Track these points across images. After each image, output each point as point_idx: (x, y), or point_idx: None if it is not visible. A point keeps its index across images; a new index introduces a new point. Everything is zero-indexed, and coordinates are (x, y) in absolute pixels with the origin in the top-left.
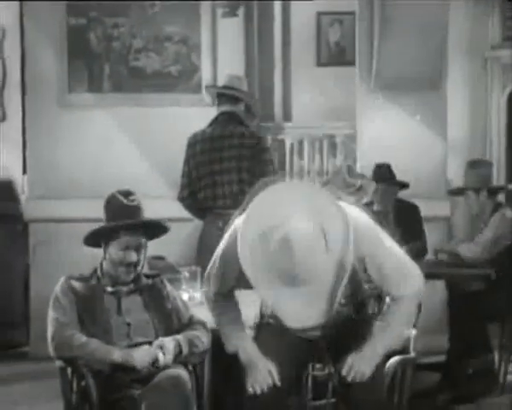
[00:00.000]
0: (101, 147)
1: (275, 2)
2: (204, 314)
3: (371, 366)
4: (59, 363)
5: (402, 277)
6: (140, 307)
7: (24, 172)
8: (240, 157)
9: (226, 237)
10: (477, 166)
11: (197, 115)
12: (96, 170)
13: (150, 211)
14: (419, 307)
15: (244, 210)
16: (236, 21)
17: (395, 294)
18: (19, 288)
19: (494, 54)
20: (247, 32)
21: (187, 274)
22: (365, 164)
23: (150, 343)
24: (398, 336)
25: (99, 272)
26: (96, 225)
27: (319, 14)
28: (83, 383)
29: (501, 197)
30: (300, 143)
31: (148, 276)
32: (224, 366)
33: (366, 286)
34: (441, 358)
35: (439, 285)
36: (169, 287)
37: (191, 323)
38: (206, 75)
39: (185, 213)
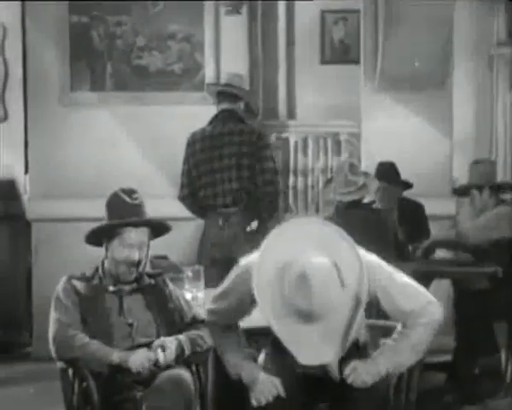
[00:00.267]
0: (104, 146)
1: (279, 0)
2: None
3: (373, 378)
4: (60, 364)
5: (419, 307)
6: (142, 306)
7: (26, 171)
8: (240, 154)
9: (233, 274)
10: (480, 164)
11: (201, 113)
12: (98, 169)
13: (153, 210)
14: None
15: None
16: (240, 19)
17: (411, 323)
18: (21, 288)
19: (500, 51)
20: (250, 30)
21: (190, 273)
22: (369, 162)
23: (152, 344)
24: (404, 362)
25: (101, 271)
26: (98, 225)
27: (323, 12)
28: (84, 385)
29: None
30: (305, 141)
31: (150, 275)
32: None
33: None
34: (447, 358)
35: (445, 284)
36: (171, 286)
37: (194, 322)
38: (209, 73)
39: (187, 213)
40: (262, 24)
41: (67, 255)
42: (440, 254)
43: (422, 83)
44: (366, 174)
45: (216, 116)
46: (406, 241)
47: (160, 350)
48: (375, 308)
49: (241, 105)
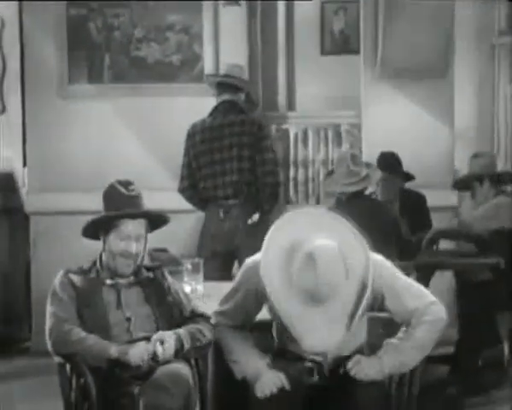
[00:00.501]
0: (103, 138)
1: None
2: (207, 307)
3: (376, 374)
4: (57, 359)
5: (423, 306)
6: (140, 300)
7: (24, 164)
8: (240, 145)
9: (239, 274)
10: (480, 157)
11: (200, 105)
12: (97, 161)
13: (152, 203)
14: None
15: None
16: (239, 10)
17: (415, 322)
18: (20, 281)
19: (501, 41)
20: (249, 21)
21: (189, 266)
22: (370, 153)
23: (151, 338)
24: (408, 362)
25: (98, 264)
26: (94, 217)
27: (323, 2)
28: (82, 380)
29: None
30: (305, 132)
31: (148, 268)
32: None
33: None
34: (450, 350)
35: (447, 276)
36: (170, 279)
37: (193, 316)
38: (208, 65)
39: (188, 205)
40: (261, 15)
41: (66, 249)
42: (443, 245)
43: (423, 73)
44: (368, 165)
45: (216, 107)
46: (408, 232)
47: (158, 344)
48: (377, 304)
49: (242, 96)
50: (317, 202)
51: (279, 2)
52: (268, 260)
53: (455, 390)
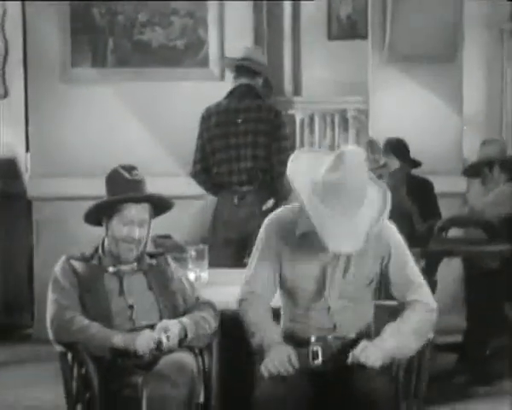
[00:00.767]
0: (106, 123)
1: None
2: (212, 295)
3: (382, 355)
4: (59, 348)
5: (419, 284)
6: (143, 287)
7: (27, 149)
8: (256, 132)
9: (260, 233)
10: (489, 143)
11: (204, 90)
12: (100, 147)
13: (155, 189)
14: (434, 284)
15: None
16: None
17: (410, 298)
18: (23, 268)
19: (510, 25)
20: (255, 5)
21: (193, 253)
22: (377, 139)
23: (154, 326)
24: (408, 344)
25: (100, 251)
26: (96, 202)
27: None
28: (83, 370)
29: None
30: (311, 117)
31: (152, 255)
32: (233, 350)
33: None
34: (458, 338)
35: (455, 263)
36: (174, 266)
37: (198, 304)
38: (213, 49)
39: (192, 191)
40: None
41: (69, 235)
42: (452, 232)
43: (432, 57)
44: (387, 153)
45: (232, 91)
46: (420, 221)
47: (163, 333)
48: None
49: (260, 81)
50: None
51: None
52: (297, 163)
53: (462, 379)
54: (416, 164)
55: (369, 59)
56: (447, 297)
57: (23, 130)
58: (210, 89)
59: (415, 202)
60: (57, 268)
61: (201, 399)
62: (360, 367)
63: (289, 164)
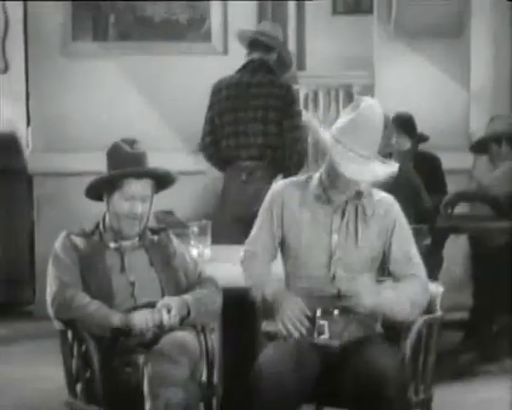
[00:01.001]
0: (107, 98)
1: None
2: (214, 271)
3: (375, 301)
4: (58, 326)
5: (417, 263)
6: (145, 264)
7: (28, 124)
8: (267, 107)
9: (270, 195)
10: (497, 119)
11: (207, 64)
12: (102, 121)
13: (156, 164)
14: (440, 261)
15: None
16: None
17: (408, 273)
18: (24, 244)
19: None
20: None
21: (196, 229)
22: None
23: (156, 304)
24: (402, 306)
25: (101, 226)
26: (97, 176)
27: None
28: (83, 348)
29: None
30: (315, 93)
31: (153, 231)
32: (236, 328)
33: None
34: (464, 315)
35: (462, 240)
36: (176, 242)
37: (200, 281)
38: (215, 24)
39: (195, 167)
40: None
41: (71, 210)
42: (458, 209)
43: (439, 32)
44: (397, 130)
45: (245, 65)
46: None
47: (165, 311)
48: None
49: (273, 56)
50: None
51: None
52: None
53: (468, 358)
54: (424, 138)
55: (375, 33)
56: (454, 274)
57: (24, 104)
58: (213, 63)
59: (422, 178)
60: (57, 244)
61: (204, 378)
62: (369, 343)
63: (307, 117)
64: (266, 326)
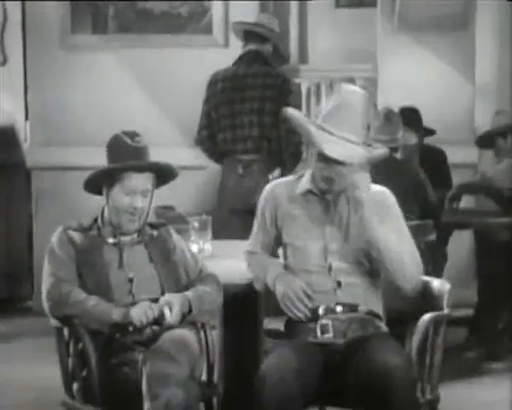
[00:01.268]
0: (107, 91)
1: None
2: (215, 267)
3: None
4: (54, 323)
5: (410, 253)
6: (144, 260)
7: (26, 117)
8: (263, 98)
9: (262, 197)
10: (503, 114)
11: (208, 57)
12: (101, 115)
13: (157, 158)
14: (444, 257)
15: None
16: None
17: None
18: (22, 239)
19: None
20: None
21: (196, 224)
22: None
23: (155, 301)
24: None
25: (100, 221)
26: (97, 169)
27: None
28: (80, 346)
29: None
30: (317, 86)
31: (153, 226)
32: (237, 326)
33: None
34: (469, 312)
35: (467, 235)
36: (176, 237)
37: (201, 278)
38: (217, 16)
39: (196, 161)
40: None
41: (69, 205)
42: (463, 203)
43: (443, 25)
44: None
45: (241, 57)
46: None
47: (166, 309)
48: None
49: (269, 47)
50: None
51: None
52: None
53: (473, 355)
54: (431, 132)
55: (379, 26)
56: (458, 270)
57: (22, 97)
58: (213, 56)
59: (427, 173)
60: (54, 239)
61: (204, 376)
62: (374, 340)
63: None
64: (268, 324)
